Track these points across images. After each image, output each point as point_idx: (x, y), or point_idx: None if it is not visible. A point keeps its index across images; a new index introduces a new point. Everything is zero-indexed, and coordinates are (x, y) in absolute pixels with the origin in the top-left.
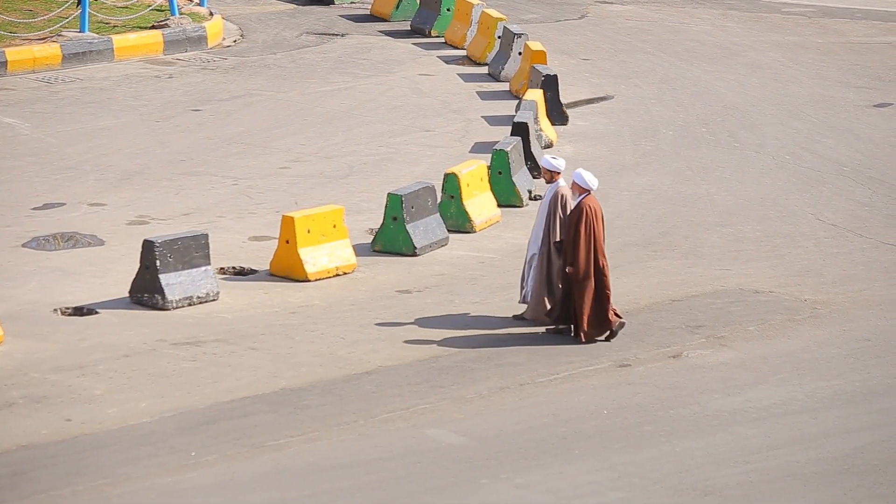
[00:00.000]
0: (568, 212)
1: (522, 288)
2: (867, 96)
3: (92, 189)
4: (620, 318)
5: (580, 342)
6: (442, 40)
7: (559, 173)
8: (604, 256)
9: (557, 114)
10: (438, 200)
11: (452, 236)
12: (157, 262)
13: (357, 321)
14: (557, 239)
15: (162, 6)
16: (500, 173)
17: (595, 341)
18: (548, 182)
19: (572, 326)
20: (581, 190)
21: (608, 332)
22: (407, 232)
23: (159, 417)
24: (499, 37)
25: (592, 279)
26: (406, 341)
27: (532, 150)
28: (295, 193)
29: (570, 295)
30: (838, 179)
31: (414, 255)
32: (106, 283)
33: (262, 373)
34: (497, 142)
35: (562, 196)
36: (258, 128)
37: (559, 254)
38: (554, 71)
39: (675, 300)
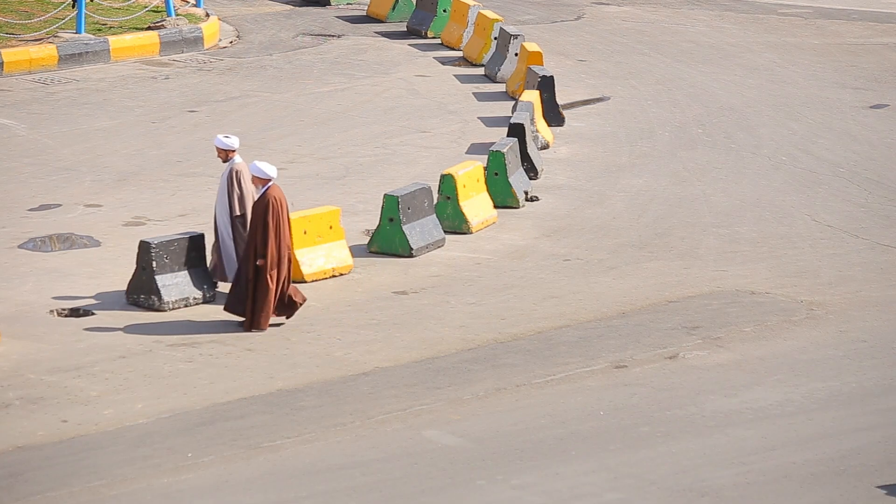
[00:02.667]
0: (246, 188)
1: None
2: (863, 97)
3: (88, 190)
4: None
5: (261, 330)
6: (438, 41)
7: (234, 151)
8: (289, 247)
9: (554, 115)
10: (435, 201)
11: (449, 237)
12: (154, 264)
13: (353, 322)
14: (238, 213)
15: (158, 7)
16: (496, 174)
17: (259, 330)
18: (224, 161)
19: (248, 316)
20: (262, 181)
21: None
22: (403, 233)
23: (156, 419)
24: (495, 38)
25: (278, 270)
26: (402, 343)
27: (528, 151)
28: (291, 194)
29: (249, 284)
30: (834, 180)
31: (410, 256)
32: (102, 284)
33: (259, 374)
34: (493, 143)
35: (237, 172)
36: (254, 129)
37: (243, 227)
38: (550, 72)
39: (672, 301)
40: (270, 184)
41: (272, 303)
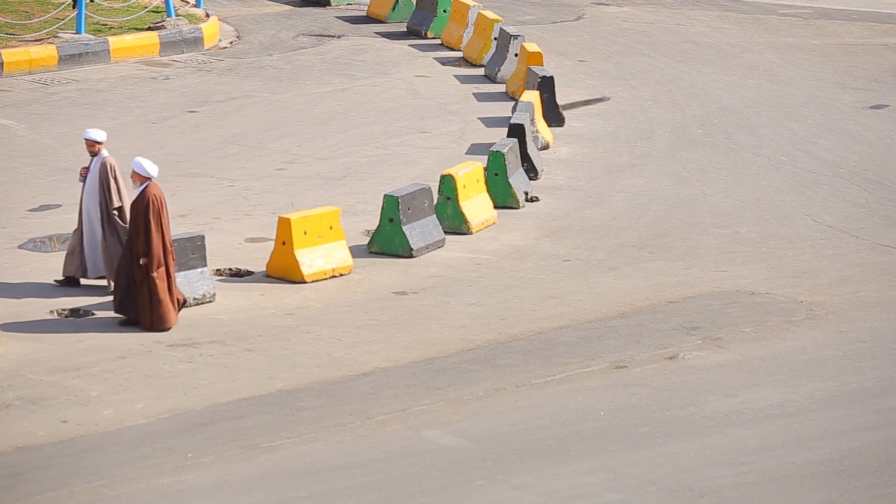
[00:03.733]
0: (121, 180)
1: (70, 263)
2: (863, 98)
3: None
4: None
5: (158, 331)
6: (438, 42)
7: (102, 143)
8: (170, 244)
9: (554, 115)
10: (435, 202)
11: (449, 238)
12: None
13: (353, 323)
14: (115, 206)
15: (158, 8)
16: (496, 175)
17: (163, 330)
18: (93, 155)
19: (146, 317)
20: (142, 179)
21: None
22: (403, 233)
23: (156, 419)
24: (495, 38)
25: (166, 266)
26: (402, 343)
27: (528, 151)
28: (291, 195)
29: (133, 284)
30: (834, 181)
31: (410, 256)
32: (102, 284)
33: (259, 374)
34: (493, 143)
35: (111, 165)
36: (254, 129)
37: (122, 220)
38: (550, 72)
39: (672, 301)
40: (149, 182)
41: (167, 298)
